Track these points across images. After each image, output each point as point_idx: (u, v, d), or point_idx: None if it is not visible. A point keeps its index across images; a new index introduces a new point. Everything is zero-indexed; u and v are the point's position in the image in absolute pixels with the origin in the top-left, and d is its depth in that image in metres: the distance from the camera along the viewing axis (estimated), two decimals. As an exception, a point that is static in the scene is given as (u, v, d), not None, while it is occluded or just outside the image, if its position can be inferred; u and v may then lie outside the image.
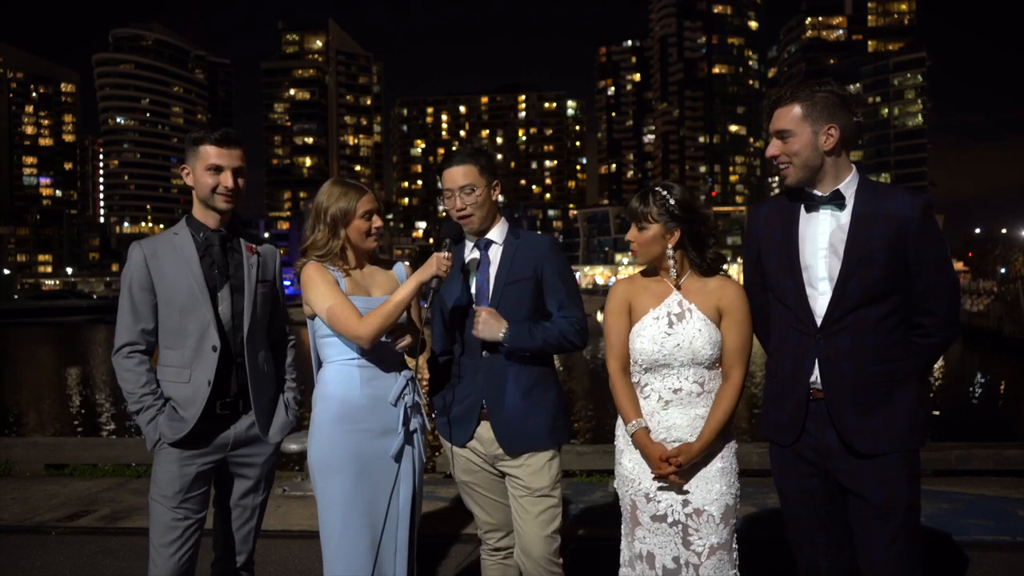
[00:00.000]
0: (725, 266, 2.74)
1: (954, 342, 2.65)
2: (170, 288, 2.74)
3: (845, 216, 2.47)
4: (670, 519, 2.57)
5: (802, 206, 2.54)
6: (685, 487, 2.57)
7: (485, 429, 2.81)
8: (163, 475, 2.73)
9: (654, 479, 2.57)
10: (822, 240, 2.49)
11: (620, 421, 2.71)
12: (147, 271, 2.74)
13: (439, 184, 2.89)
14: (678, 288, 2.64)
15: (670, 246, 2.62)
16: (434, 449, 10.79)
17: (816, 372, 2.47)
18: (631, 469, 2.65)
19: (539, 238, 2.89)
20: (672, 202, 2.60)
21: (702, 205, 2.90)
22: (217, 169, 2.74)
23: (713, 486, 2.57)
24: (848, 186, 2.49)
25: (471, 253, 2.88)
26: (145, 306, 2.75)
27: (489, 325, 2.73)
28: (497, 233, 2.88)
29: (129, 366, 2.73)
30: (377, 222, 2.79)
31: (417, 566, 2.83)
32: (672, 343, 2.57)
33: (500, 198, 2.88)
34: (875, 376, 2.43)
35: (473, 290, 2.85)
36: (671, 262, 2.63)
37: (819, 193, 2.51)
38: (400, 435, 2.75)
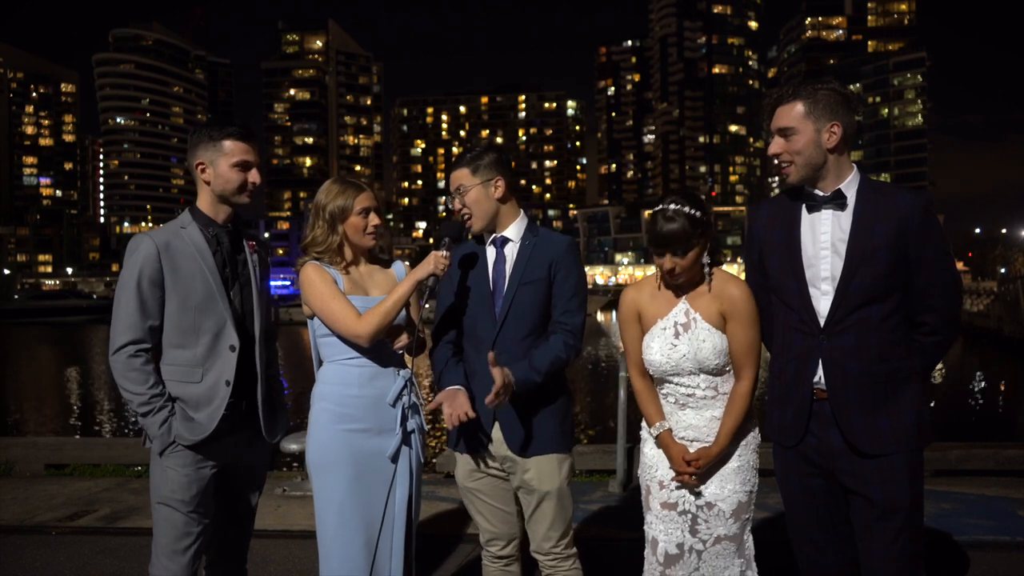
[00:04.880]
0: (725, 266, 2.73)
1: (956, 340, 2.65)
2: (185, 284, 2.62)
3: (846, 216, 2.46)
4: (680, 508, 2.61)
5: (803, 206, 2.54)
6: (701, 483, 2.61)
7: (495, 431, 2.79)
8: (178, 479, 2.63)
9: (674, 478, 2.62)
10: (824, 240, 2.48)
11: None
12: (159, 265, 2.59)
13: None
14: (707, 284, 2.59)
15: (706, 255, 2.57)
16: (433, 449, 10.80)
17: (820, 372, 2.47)
18: (651, 456, 2.71)
19: (557, 238, 2.85)
20: (699, 214, 2.51)
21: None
22: (244, 166, 2.67)
23: (727, 485, 2.60)
24: (849, 186, 2.48)
25: (489, 251, 2.86)
26: (154, 302, 2.60)
27: (506, 394, 2.65)
28: (514, 231, 2.84)
29: (136, 365, 2.58)
30: (375, 220, 2.78)
31: (417, 566, 2.83)
32: (678, 354, 2.57)
33: (499, 193, 2.79)
34: (879, 375, 2.42)
35: (491, 286, 2.81)
36: (706, 269, 2.58)
37: (820, 193, 2.50)
38: (398, 435, 2.74)
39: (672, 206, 2.52)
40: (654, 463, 2.69)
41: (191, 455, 2.65)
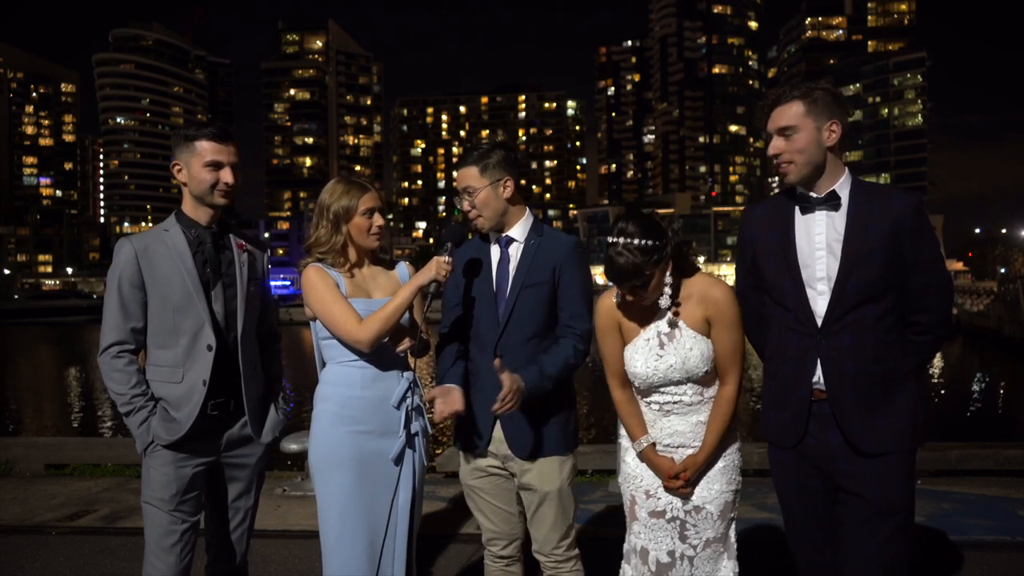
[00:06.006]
0: (725, 267, 2.72)
1: (947, 339, 2.66)
2: (163, 286, 2.66)
3: (840, 216, 2.47)
4: (668, 515, 2.58)
5: (797, 208, 2.54)
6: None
7: (496, 430, 2.78)
8: (158, 478, 2.67)
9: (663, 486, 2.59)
10: (819, 241, 2.49)
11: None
12: (138, 268, 2.66)
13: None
14: (672, 310, 2.55)
15: (668, 275, 2.52)
16: (434, 450, 10.78)
17: (818, 372, 2.47)
18: (634, 466, 2.66)
19: (562, 239, 2.82)
20: (652, 242, 2.42)
21: (654, 213, 2.74)
22: (216, 165, 2.69)
23: (714, 485, 2.58)
24: (842, 187, 2.49)
25: (493, 250, 2.85)
26: (135, 304, 2.66)
27: (515, 400, 2.60)
28: (519, 230, 2.82)
29: (119, 366, 2.65)
30: (379, 220, 2.78)
31: (416, 567, 2.83)
32: (665, 365, 2.52)
33: (508, 193, 2.76)
34: (876, 375, 2.44)
35: (494, 287, 2.81)
36: (667, 289, 2.53)
37: (814, 195, 2.51)
38: (401, 438, 2.74)
39: (621, 240, 2.42)
40: (637, 473, 2.64)
41: (171, 454, 2.67)
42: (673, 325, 2.54)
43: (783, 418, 2.56)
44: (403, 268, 2.93)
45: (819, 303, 2.48)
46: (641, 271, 2.42)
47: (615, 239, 2.44)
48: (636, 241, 2.41)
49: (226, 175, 2.71)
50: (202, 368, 2.68)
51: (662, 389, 2.56)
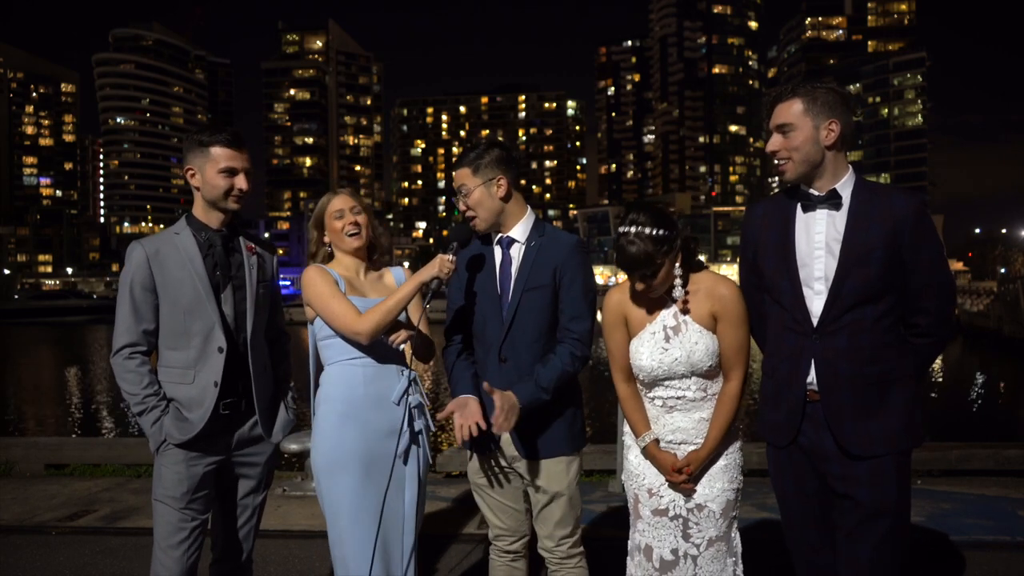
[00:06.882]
0: (725, 266, 2.72)
1: (949, 342, 2.64)
2: (174, 288, 2.70)
3: (841, 216, 2.46)
4: (671, 513, 2.59)
5: (798, 206, 2.54)
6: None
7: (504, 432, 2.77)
8: (170, 476, 2.71)
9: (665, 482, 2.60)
10: (818, 240, 2.48)
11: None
12: (149, 271, 2.70)
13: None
14: (681, 301, 2.56)
15: (678, 265, 2.54)
16: (435, 449, 10.76)
17: (812, 373, 2.47)
18: (636, 464, 2.69)
19: (564, 239, 2.80)
20: (663, 232, 2.47)
21: (664, 207, 2.78)
22: (231, 172, 2.72)
23: (716, 484, 2.59)
24: (844, 186, 2.48)
25: (496, 251, 2.84)
26: (147, 306, 2.71)
27: (509, 418, 2.61)
28: (520, 231, 2.81)
29: (131, 367, 2.69)
30: (349, 218, 2.82)
31: (417, 567, 2.83)
32: (670, 358, 2.54)
33: (502, 192, 2.75)
34: (871, 377, 2.42)
35: (498, 288, 2.80)
36: (677, 281, 2.55)
37: (816, 193, 2.50)
38: (406, 435, 2.75)
39: (633, 229, 2.47)
40: (640, 471, 2.67)
41: (183, 453, 2.70)
42: (679, 318, 2.56)
43: (778, 417, 2.56)
44: (399, 271, 2.96)
45: (815, 303, 2.46)
46: (652, 259, 2.45)
47: (627, 228, 2.48)
48: (648, 230, 2.45)
49: (240, 181, 2.75)
50: (213, 370, 2.71)
51: (666, 383, 2.58)
